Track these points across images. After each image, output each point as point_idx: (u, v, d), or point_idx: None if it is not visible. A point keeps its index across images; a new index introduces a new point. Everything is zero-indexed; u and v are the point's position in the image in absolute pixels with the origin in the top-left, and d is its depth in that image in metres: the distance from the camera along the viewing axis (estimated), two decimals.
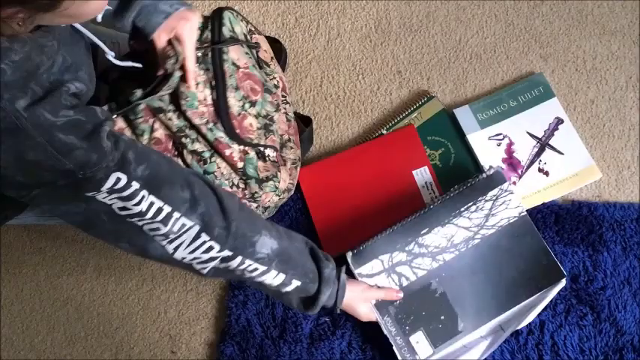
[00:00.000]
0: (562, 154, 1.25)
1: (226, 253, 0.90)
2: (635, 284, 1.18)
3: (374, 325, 1.13)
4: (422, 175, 1.25)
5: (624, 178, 1.26)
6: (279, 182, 1.14)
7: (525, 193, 1.23)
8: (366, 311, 1.11)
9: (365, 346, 1.19)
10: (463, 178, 1.25)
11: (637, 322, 1.16)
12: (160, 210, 0.84)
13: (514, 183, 1.24)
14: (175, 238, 0.86)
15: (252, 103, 1.11)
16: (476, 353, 1.12)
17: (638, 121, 1.29)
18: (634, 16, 1.37)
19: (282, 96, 1.21)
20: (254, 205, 1.14)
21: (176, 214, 0.85)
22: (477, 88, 1.35)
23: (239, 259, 0.91)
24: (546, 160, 1.25)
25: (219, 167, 1.09)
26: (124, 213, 0.83)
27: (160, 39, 1.02)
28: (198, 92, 1.06)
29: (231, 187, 1.11)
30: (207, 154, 1.08)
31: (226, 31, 1.10)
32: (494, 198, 1.16)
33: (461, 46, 1.39)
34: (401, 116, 1.31)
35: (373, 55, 1.40)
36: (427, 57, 1.39)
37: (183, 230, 0.86)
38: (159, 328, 1.27)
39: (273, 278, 0.96)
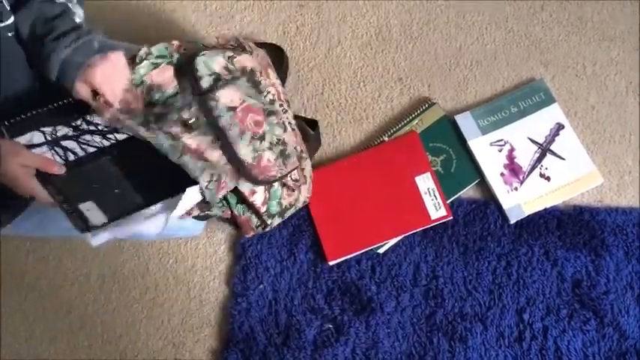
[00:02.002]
0: (563, 159, 1.26)
1: None
2: (638, 288, 1.18)
3: (378, 330, 1.13)
4: (424, 181, 1.26)
5: (625, 183, 1.26)
6: (300, 204, 1.17)
7: (527, 199, 1.23)
8: (21, 174, 0.93)
9: (369, 353, 1.19)
10: (465, 184, 1.26)
11: None
12: None
13: (515, 189, 1.24)
14: None
15: (262, 138, 1.07)
16: (156, 225, 1.03)
17: (638, 126, 1.30)
18: (633, 22, 1.38)
19: (280, 105, 1.14)
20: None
21: None
22: (478, 95, 1.35)
23: None
24: (548, 166, 1.25)
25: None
26: None
27: (81, 92, 0.98)
28: (209, 157, 1.01)
29: (256, 228, 1.15)
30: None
31: (206, 78, 1.05)
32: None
33: (461, 53, 1.39)
34: (402, 123, 1.32)
35: (374, 63, 1.41)
36: (428, 64, 1.39)
37: None
38: (162, 337, 1.27)
39: None
